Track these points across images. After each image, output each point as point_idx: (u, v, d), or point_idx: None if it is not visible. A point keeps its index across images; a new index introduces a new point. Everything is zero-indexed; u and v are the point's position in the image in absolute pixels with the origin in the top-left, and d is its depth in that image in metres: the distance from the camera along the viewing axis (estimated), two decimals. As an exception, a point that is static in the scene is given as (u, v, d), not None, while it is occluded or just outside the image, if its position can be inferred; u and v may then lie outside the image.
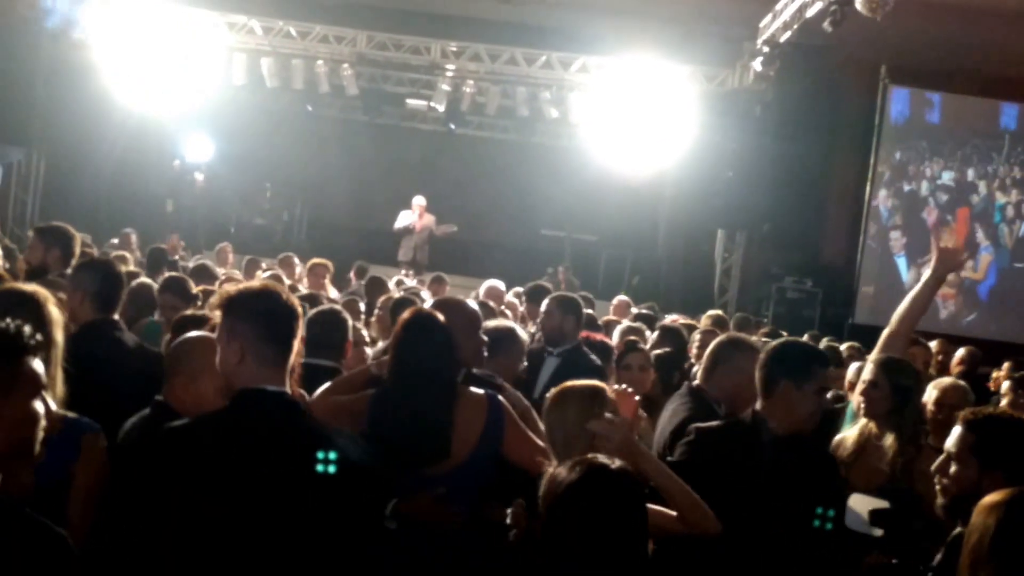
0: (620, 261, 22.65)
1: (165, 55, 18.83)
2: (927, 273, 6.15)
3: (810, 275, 20.60)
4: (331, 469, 3.44)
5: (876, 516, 4.23)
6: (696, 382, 6.02)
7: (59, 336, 4.02)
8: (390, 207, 20.47)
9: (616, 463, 3.26)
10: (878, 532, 4.22)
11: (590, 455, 3.44)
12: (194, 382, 4.17)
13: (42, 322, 3.92)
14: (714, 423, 4.95)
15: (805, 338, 7.94)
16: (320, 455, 3.45)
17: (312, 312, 6.04)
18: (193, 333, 4.51)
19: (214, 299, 3.75)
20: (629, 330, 9.52)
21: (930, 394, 6.05)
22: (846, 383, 7.70)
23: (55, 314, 4.17)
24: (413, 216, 19.73)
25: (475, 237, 22.35)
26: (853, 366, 7.70)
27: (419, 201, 19.90)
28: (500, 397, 4.83)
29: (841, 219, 22.02)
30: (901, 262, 20.84)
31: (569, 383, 4.30)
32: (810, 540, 4.42)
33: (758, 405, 4.72)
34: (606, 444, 3.93)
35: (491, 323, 6.04)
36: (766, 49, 18.48)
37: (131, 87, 18.67)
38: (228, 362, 3.59)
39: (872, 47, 19.09)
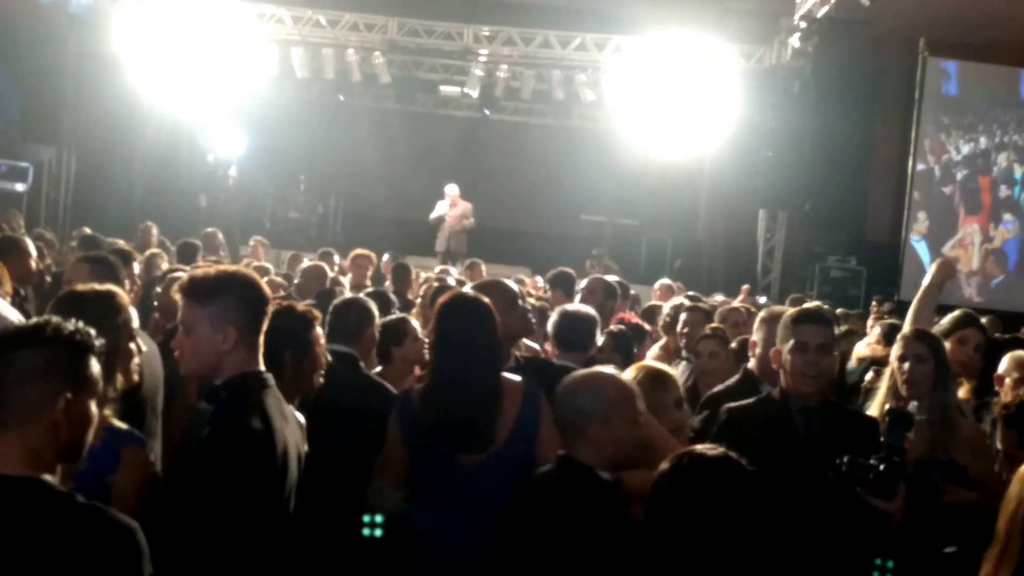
0: (661, 244, 22.48)
1: (194, 49, 18.66)
2: (927, 280, 6.36)
3: (854, 253, 20.38)
4: (377, 533, 3.64)
5: None
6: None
7: (123, 338, 4.02)
8: (426, 196, 20.33)
9: (715, 450, 3.33)
10: None
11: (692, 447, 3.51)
12: (607, 425, 3.80)
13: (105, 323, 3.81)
14: (745, 401, 4.96)
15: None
16: (367, 519, 3.63)
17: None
18: (584, 372, 4.08)
19: (182, 281, 3.60)
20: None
21: (1009, 369, 6.00)
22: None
23: (122, 312, 4.16)
24: (447, 205, 19.49)
25: (513, 224, 22.17)
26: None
27: (451, 190, 19.68)
28: (538, 389, 4.62)
29: (884, 195, 21.76)
30: (920, 247, 20.50)
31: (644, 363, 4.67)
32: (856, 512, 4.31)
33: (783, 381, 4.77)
34: None
35: None
36: (803, 25, 18.20)
37: (161, 82, 18.53)
38: (217, 346, 3.55)
39: (909, 20, 18.86)
